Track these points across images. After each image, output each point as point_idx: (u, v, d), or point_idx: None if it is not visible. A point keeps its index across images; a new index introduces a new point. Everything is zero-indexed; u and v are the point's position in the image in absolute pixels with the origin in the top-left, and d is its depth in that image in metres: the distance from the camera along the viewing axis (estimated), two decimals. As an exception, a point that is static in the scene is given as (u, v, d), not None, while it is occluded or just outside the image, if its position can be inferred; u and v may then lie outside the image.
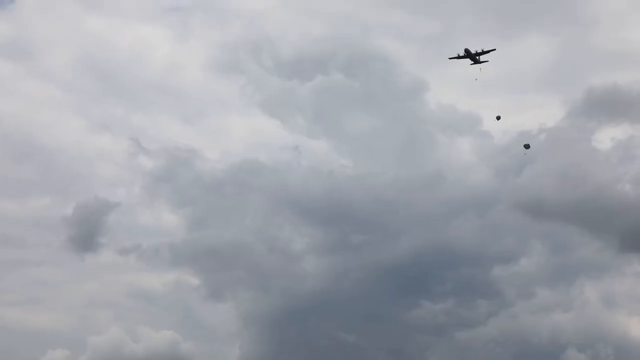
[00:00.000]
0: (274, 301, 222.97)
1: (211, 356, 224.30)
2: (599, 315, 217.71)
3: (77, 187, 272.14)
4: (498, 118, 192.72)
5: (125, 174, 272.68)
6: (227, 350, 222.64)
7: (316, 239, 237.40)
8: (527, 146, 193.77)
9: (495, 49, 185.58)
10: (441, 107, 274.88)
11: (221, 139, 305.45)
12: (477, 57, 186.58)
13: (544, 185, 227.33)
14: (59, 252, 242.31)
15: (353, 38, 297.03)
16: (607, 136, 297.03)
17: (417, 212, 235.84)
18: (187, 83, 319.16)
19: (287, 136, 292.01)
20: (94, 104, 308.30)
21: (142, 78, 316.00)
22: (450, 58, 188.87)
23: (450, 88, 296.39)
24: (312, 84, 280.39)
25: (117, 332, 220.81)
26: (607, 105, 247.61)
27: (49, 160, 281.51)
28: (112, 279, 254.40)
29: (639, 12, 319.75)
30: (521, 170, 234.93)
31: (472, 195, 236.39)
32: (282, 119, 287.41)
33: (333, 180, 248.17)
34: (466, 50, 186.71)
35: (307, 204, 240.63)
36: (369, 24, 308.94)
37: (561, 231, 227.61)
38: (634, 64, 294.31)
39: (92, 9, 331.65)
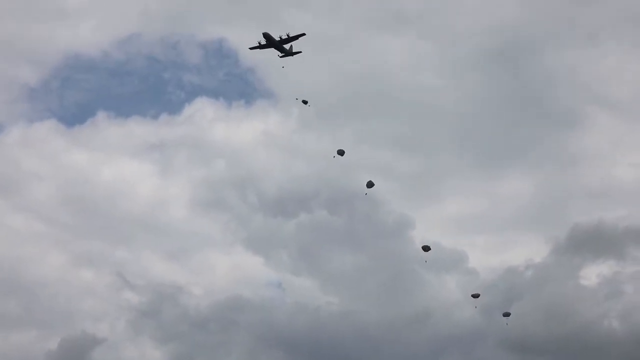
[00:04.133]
0: None
1: None
2: None
3: (62, 322, 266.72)
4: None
5: (110, 308, 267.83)
6: None
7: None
8: (507, 314, 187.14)
9: (304, 34, 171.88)
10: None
11: (205, 275, 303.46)
12: (284, 46, 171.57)
13: (531, 322, 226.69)
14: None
15: (336, 176, 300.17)
16: (593, 273, 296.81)
17: (403, 350, 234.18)
18: (171, 219, 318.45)
19: (271, 273, 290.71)
20: (78, 238, 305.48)
21: (126, 213, 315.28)
22: (250, 48, 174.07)
23: (435, 225, 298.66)
24: (296, 221, 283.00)
25: None
26: (592, 241, 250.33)
27: (33, 294, 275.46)
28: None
29: (620, 150, 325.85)
30: (507, 307, 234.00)
31: (458, 332, 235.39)
32: (266, 256, 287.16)
33: (319, 317, 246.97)
34: (266, 35, 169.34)
35: (292, 341, 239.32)
36: (351, 162, 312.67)
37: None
38: (617, 201, 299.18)
39: (76, 144, 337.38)
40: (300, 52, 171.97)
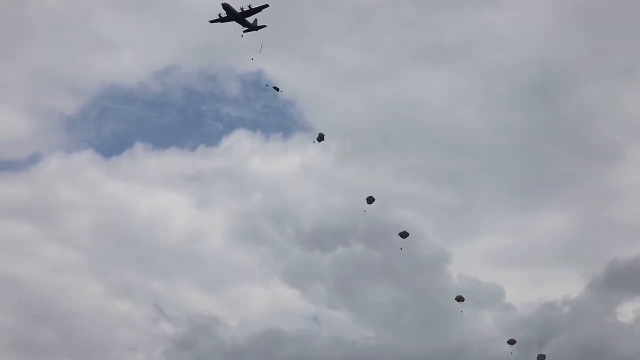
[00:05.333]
0: None
1: None
2: None
3: (97, 352, 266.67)
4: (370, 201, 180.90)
5: (146, 339, 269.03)
6: None
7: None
8: (542, 357, 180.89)
9: (267, 5, 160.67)
10: (463, 279, 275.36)
11: (242, 307, 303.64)
12: (247, 20, 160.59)
13: (568, 358, 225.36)
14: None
15: (373, 209, 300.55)
16: (630, 309, 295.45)
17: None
18: (208, 250, 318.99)
19: (307, 306, 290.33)
20: (113, 268, 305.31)
21: (162, 244, 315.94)
22: (210, 21, 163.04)
23: (472, 260, 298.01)
24: (333, 255, 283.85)
25: None
26: (630, 277, 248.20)
27: (68, 324, 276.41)
28: None
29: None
30: (544, 343, 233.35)
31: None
32: (302, 289, 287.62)
33: (355, 351, 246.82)
34: (225, 6, 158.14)
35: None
36: (388, 196, 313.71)
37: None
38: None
39: (112, 174, 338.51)
40: (265, 26, 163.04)
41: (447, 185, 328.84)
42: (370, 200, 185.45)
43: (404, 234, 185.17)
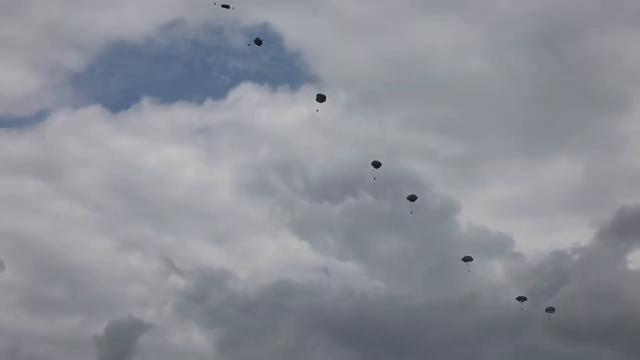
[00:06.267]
0: None
1: None
2: None
3: (108, 307, 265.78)
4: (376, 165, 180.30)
5: (157, 293, 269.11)
6: None
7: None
8: (550, 310, 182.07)
9: None
10: (472, 229, 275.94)
11: (251, 260, 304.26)
12: None
13: (577, 306, 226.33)
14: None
15: (381, 160, 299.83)
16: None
17: (450, 334, 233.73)
18: (217, 203, 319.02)
19: (317, 257, 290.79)
20: (123, 223, 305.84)
21: (171, 198, 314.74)
22: None
23: (481, 209, 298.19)
24: (342, 206, 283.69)
25: None
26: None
27: (78, 279, 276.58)
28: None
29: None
30: (554, 292, 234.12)
31: (505, 317, 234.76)
32: (312, 240, 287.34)
33: (365, 302, 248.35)
34: None
35: (339, 325, 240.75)
36: (396, 146, 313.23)
37: (596, 352, 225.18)
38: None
39: (120, 129, 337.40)
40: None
41: (455, 135, 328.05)
42: (376, 164, 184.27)
43: (412, 197, 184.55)
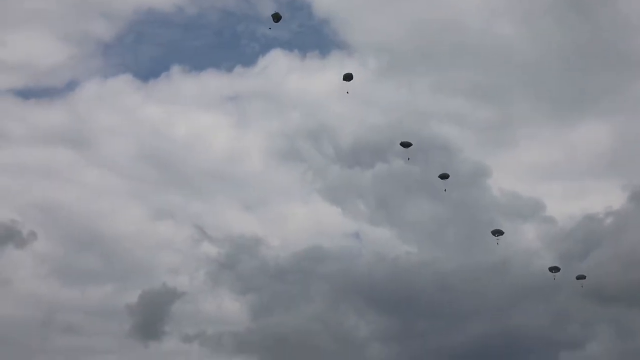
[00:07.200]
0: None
1: None
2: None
3: (141, 276, 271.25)
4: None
5: (189, 261, 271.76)
6: None
7: (381, 326, 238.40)
8: (581, 277, 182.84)
9: None
10: (503, 193, 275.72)
11: (283, 226, 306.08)
12: None
13: (610, 271, 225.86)
14: (123, 340, 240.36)
15: (411, 125, 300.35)
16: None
17: (482, 299, 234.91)
18: (248, 170, 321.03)
19: (348, 223, 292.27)
20: (154, 192, 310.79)
21: (202, 166, 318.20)
22: None
23: (512, 173, 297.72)
24: (372, 171, 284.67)
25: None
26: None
27: (110, 248, 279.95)
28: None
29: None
30: (586, 256, 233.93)
31: (537, 281, 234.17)
32: (343, 206, 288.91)
33: (397, 267, 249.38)
34: None
35: (371, 291, 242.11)
36: (426, 112, 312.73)
37: (627, 315, 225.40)
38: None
39: (150, 98, 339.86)
40: None
41: (486, 100, 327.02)
42: (406, 144, 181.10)
43: (444, 176, 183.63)
